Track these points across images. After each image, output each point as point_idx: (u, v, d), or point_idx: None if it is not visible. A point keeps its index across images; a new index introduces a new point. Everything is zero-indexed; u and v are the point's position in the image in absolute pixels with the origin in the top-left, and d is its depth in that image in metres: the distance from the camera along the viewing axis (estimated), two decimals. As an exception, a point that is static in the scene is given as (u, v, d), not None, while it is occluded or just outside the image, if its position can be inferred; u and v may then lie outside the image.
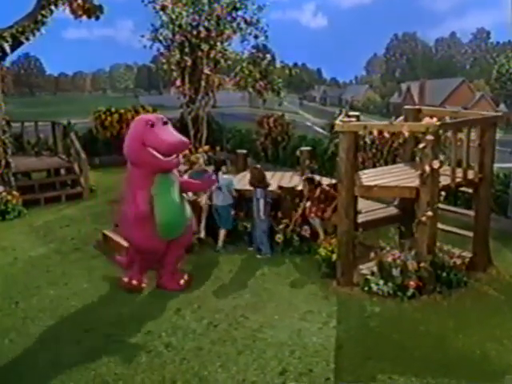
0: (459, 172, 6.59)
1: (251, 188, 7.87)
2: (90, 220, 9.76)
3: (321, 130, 19.65)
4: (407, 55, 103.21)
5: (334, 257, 6.67)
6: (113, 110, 15.55)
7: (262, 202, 7.65)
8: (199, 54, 12.93)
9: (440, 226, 6.68)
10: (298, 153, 10.49)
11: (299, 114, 53.54)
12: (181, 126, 12.96)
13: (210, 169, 8.49)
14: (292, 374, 4.76)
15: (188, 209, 6.57)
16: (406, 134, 6.32)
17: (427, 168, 5.95)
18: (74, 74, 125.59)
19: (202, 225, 8.03)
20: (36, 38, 10.14)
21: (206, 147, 12.84)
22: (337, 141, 7.23)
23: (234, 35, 13.22)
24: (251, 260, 7.62)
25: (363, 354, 5.07)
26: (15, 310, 6.19)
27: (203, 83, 13.27)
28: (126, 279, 6.56)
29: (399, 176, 6.88)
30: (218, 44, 13.06)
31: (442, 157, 6.51)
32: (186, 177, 7.72)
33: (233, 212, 8.04)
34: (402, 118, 8.24)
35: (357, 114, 8.26)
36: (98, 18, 10.56)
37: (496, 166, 7.25)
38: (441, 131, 6.28)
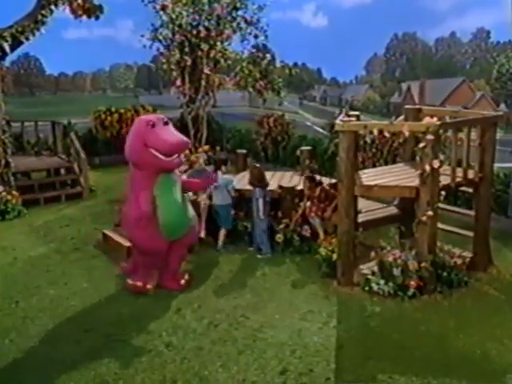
0: (459, 172, 6.58)
1: (251, 188, 7.87)
2: (89, 220, 9.75)
3: (321, 130, 19.66)
4: (407, 55, 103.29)
5: (335, 256, 6.67)
6: (113, 109, 15.55)
7: (260, 201, 7.65)
8: (199, 53, 12.92)
9: (440, 225, 6.67)
10: (298, 152, 10.48)
11: (299, 114, 53.58)
12: (181, 126, 12.93)
13: (210, 168, 8.48)
14: (292, 374, 4.76)
15: (191, 209, 6.57)
16: (407, 133, 6.31)
17: (427, 167, 5.95)
18: (74, 73, 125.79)
19: (202, 225, 8.02)
20: (36, 37, 10.14)
21: (206, 147, 12.83)
22: (337, 140, 7.22)
23: (234, 35, 13.21)
24: (251, 260, 7.62)
25: (364, 354, 5.06)
26: (15, 309, 6.18)
27: (203, 83, 13.26)
28: (130, 281, 6.54)
29: (399, 175, 6.87)
30: (218, 44, 13.05)
31: (442, 156, 6.51)
32: (184, 177, 7.71)
33: (233, 212, 8.04)
34: (402, 117, 8.24)
35: (357, 113, 8.27)
36: (97, 17, 10.55)
37: (496, 165, 7.25)
38: (441, 131, 6.27)
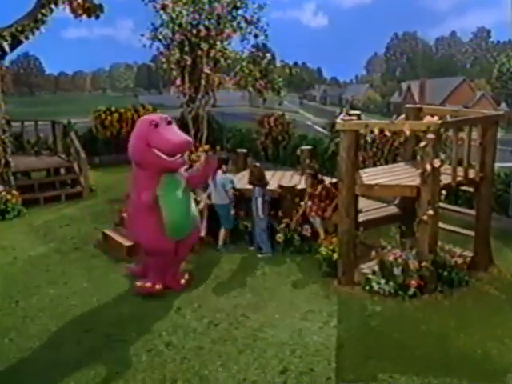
0: (460, 171, 6.57)
1: (251, 187, 7.86)
2: (89, 219, 9.75)
3: (321, 130, 19.66)
4: (407, 54, 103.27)
5: (335, 256, 6.66)
6: (113, 109, 15.55)
7: (260, 200, 7.63)
8: (199, 53, 12.88)
9: (441, 225, 6.66)
10: (298, 152, 10.49)
11: (299, 114, 53.55)
12: (181, 126, 12.89)
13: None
14: (293, 374, 4.75)
15: (195, 209, 6.55)
16: (407, 132, 6.30)
17: (428, 167, 5.94)
18: (74, 73, 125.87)
19: (203, 224, 8.00)
20: (36, 37, 10.14)
21: (207, 146, 12.80)
22: (337, 140, 7.21)
23: (234, 34, 13.19)
24: (252, 259, 7.61)
25: (364, 354, 5.05)
26: (15, 309, 6.18)
27: (203, 82, 13.22)
28: (139, 283, 6.49)
29: (400, 175, 6.86)
30: (218, 43, 13.01)
31: (442, 156, 6.49)
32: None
33: (233, 211, 8.03)
34: (402, 116, 8.23)
35: (358, 112, 8.25)
36: (97, 17, 10.54)
37: (497, 165, 7.24)
38: (442, 130, 6.26)
